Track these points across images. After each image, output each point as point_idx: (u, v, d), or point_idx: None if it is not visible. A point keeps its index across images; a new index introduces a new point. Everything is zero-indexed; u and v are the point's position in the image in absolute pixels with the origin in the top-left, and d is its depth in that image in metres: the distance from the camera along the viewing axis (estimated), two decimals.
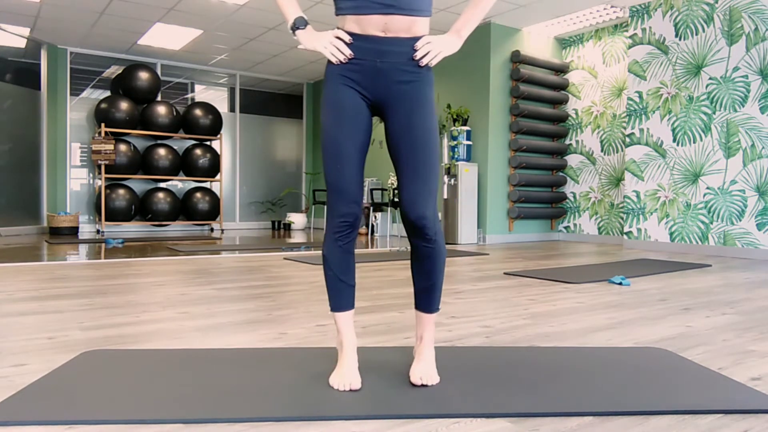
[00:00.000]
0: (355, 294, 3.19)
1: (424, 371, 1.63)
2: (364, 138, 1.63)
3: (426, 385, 1.59)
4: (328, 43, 1.59)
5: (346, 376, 1.58)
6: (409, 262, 4.89)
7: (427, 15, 1.60)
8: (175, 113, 8.82)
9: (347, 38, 1.58)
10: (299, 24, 1.62)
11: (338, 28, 1.62)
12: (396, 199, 7.93)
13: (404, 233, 8.36)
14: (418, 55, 1.59)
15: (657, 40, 6.30)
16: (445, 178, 7.11)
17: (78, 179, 8.76)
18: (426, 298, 1.68)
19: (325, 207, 1.62)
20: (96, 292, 3.18)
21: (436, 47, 1.60)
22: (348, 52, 1.58)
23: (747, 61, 5.54)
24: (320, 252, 5.66)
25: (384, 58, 1.58)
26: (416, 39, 1.59)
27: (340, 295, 1.66)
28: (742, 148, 5.57)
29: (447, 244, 6.99)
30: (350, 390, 1.55)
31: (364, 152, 1.64)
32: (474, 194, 7.09)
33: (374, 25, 1.55)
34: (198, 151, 8.95)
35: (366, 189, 8.76)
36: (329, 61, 1.63)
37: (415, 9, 1.56)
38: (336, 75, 1.62)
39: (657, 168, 6.27)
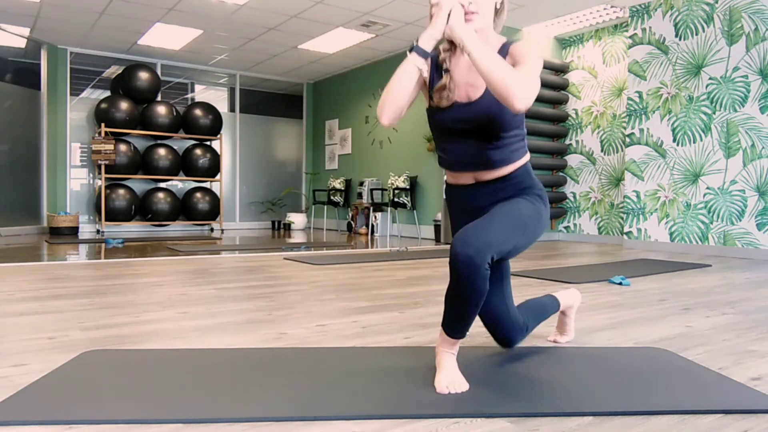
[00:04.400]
0: (355, 294, 3.20)
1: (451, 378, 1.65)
2: None
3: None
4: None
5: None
6: (409, 262, 4.89)
7: (510, 162, 1.74)
8: (175, 113, 8.82)
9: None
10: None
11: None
12: (396, 200, 7.93)
13: (404, 233, 8.36)
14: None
15: (657, 40, 6.30)
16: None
17: (78, 179, 8.76)
18: None
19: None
20: (96, 292, 3.18)
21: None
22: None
23: (747, 61, 5.55)
24: (320, 251, 5.66)
25: (481, 198, 1.79)
26: (505, 177, 1.75)
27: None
28: (742, 148, 5.57)
29: (447, 244, 6.99)
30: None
31: None
32: None
33: (466, 178, 1.79)
34: (198, 151, 8.95)
35: (366, 189, 8.75)
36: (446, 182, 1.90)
37: (501, 165, 1.73)
38: (451, 209, 1.90)
39: (657, 168, 6.27)
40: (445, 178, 1.75)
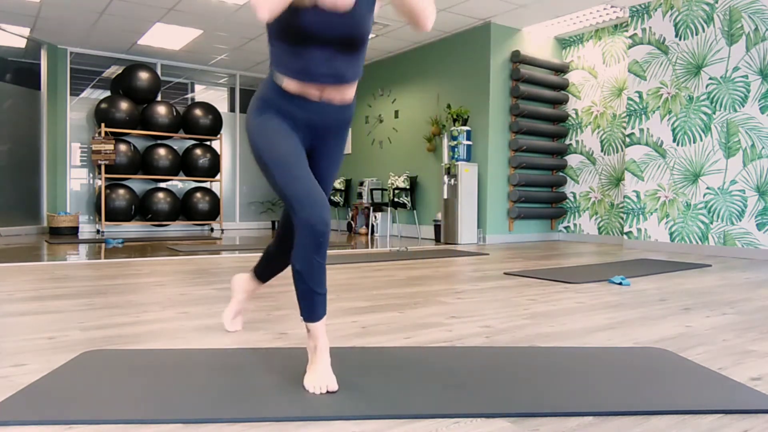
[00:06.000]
0: (355, 294, 3.20)
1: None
2: (305, 157, 1.71)
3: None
4: None
5: (323, 378, 1.56)
6: (409, 262, 4.89)
7: (356, 80, 1.72)
8: (175, 113, 8.82)
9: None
10: None
11: (270, 77, 1.69)
12: (396, 200, 7.93)
13: (404, 233, 8.36)
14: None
15: (657, 40, 6.30)
16: (445, 178, 7.11)
17: (78, 179, 8.76)
18: None
19: (294, 223, 1.56)
20: (96, 292, 3.18)
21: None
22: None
23: (747, 61, 5.55)
24: None
25: (319, 116, 1.71)
26: (346, 105, 1.75)
27: (318, 307, 1.63)
28: (742, 148, 5.57)
29: (447, 244, 7.00)
30: (327, 392, 1.53)
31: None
32: (474, 194, 7.09)
33: (312, 92, 1.67)
34: (198, 151, 8.95)
35: (366, 189, 8.75)
36: (265, 99, 1.69)
37: (347, 79, 1.69)
38: (271, 111, 1.69)
39: (657, 168, 6.27)
40: (278, 83, 1.66)
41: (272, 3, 1.45)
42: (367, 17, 1.64)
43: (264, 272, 2.13)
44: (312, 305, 1.62)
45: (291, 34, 1.60)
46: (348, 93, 1.73)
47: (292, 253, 1.60)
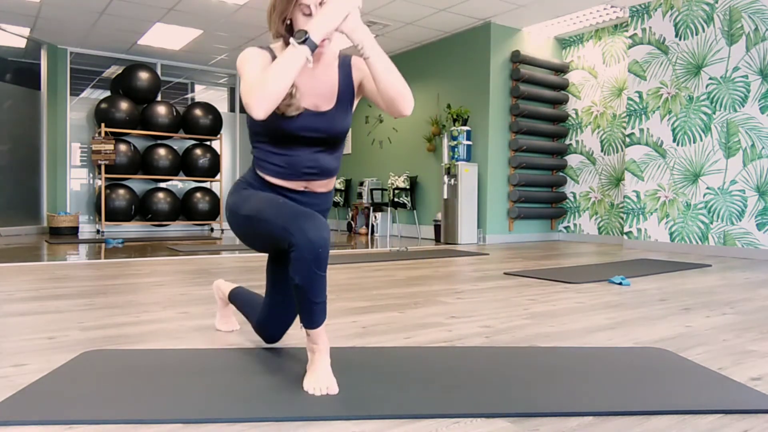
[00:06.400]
0: (355, 294, 3.20)
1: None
2: None
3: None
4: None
5: (323, 380, 1.55)
6: (409, 262, 4.89)
7: (336, 173, 1.83)
8: (175, 113, 8.82)
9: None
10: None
11: (253, 170, 1.78)
12: (396, 200, 7.93)
13: (404, 233, 8.36)
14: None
15: (657, 40, 6.30)
16: (445, 178, 7.11)
17: (78, 179, 8.76)
18: None
19: (292, 243, 1.55)
20: (96, 292, 3.18)
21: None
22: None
23: (747, 61, 5.55)
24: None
25: (302, 202, 1.77)
26: (328, 192, 1.83)
27: (317, 315, 1.60)
28: (742, 148, 5.57)
29: (447, 244, 7.00)
30: (328, 394, 1.53)
31: None
32: (474, 194, 7.09)
33: (297, 185, 1.75)
34: (198, 151, 8.95)
35: (366, 189, 8.76)
36: (245, 188, 1.76)
37: (330, 173, 1.78)
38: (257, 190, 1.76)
39: (657, 168, 6.27)
40: (261, 175, 1.75)
41: (267, 103, 1.49)
42: (347, 115, 1.76)
43: (236, 304, 2.14)
44: (311, 314, 1.59)
45: (277, 136, 1.69)
46: (331, 183, 1.82)
47: (291, 266, 1.53)
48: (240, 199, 1.74)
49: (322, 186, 1.78)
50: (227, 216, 1.78)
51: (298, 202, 1.75)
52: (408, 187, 8.00)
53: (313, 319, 1.60)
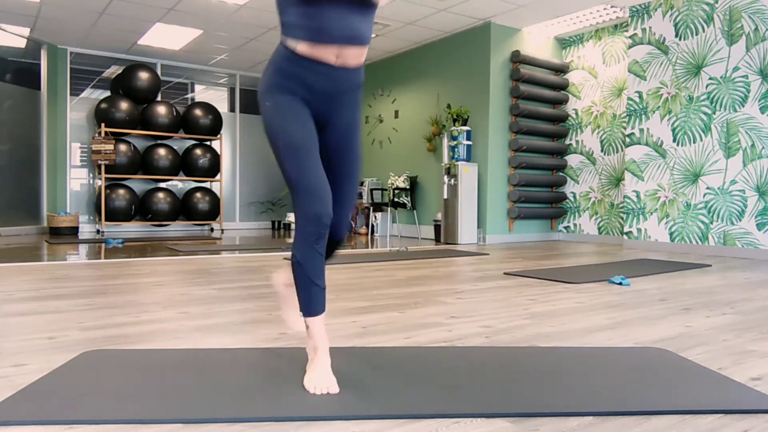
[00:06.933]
0: (355, 294, 3.20)
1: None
2: (317, 143, 1.68)
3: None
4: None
5: (324, 380, 1.56)
6: (409, 262, 4.89)
7: (369, 43, 1.70)
8: (175, 113, 8.82)
9: None
10: None
11: (285, 46, 1.63)
12: (396, 200, 7.93)
13: (404, 233, 8.36)
14: None
15: (657, 40, 6.30)
16: (445, 178, 7.11)
17: (78, 179, 8.76)
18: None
19: (295, 212, 1.55)
20: (96, 292, 3.18)
21: None
22: None
23: (747, 61, 5.54)
24: None
25: (333, 82, 1.65)
26: (361, 67, 1.71)
27: (316, 300, 1.63)
28: (742, 148, 5.57)
29: (447, 244, 7.00)
30: (328, 393, 1.53)
31: (319, 156, 1.69)
32: (474, 194, 7.09)
33: (329, 54, 1.61)
34: (198, 151, 8.95)
35: (366, 189, 8.75)
36: (274, 73, 1.65)
37: (365, 40, 1.66)
38: (281, 87, 1.64)
39: (657, 168, 6.27)
40: (291, 47, 1.61)
41: None
42: None
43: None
44: (310, 298, 1.62)
45: None
46: (362, 55, 1.69)
47: (293, 243, 1.61)
48: (270, 112, 1.65)
49: (354, 57, 1.65)
50: (262, 118, 1.71)
51: (328, 85, 1.65)
52: (408, 187, 8.00)
53: (312, 305, 1.62)
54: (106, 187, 8.20)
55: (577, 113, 7.62)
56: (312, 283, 1.61)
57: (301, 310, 1.65)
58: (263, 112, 1.67)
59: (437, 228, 7.47)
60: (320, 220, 1.57)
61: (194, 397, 1.50)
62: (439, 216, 7.36)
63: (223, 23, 7.24)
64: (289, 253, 5.44)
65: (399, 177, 8.05)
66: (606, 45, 7.29)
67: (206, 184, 9.40)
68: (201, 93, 9.92)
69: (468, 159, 7.15)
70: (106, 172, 8.18)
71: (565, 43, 7.83)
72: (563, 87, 7.67)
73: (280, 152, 1.62)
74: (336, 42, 1.60)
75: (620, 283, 3.64)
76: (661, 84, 6.25)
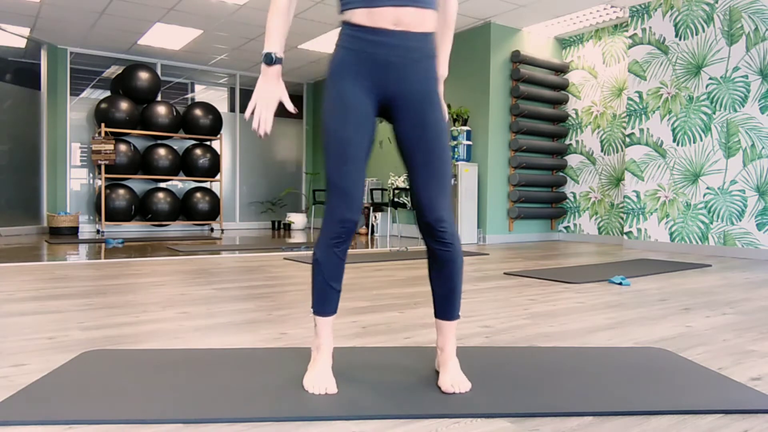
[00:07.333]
0: (355, 294, 3.19)
1: (455, 378, 1.58)
2: (370, 141, 1.59)
3: (458, 393, 1.56)
4: (259, 102, 1.58)
5: (323, 380, 1.56)
6: (409, 262, 4.89)
7: (435, 8, 1.58)
8: (175, 113, 8.82)
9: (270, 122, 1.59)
10: (266, 60, 1.57)
11: (344, 22, 1.56)
12: (396, 200, 7.93)
13: (404, 233, 8.36)
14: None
15: (657, 40, 6.30)
16: None
17: (78, 179, 8.76)
18: (447, 305, 1.64)
19: (325, 209, 1.55)
20: (96, 292, 3.18)
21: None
22: (269, 130, 1.59)
23: (747, 61, 5.54)
24: None
25: (396, 51, 1.53)
26: (428, 34, 1.56)
27: (328, 301, 1.62)
28: (742, 148, 5.57)
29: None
30: (326, 393, 1.53)
31: (368, 156, 1.60)
32: (474, 194, 7.09)
33: (386, 18, 1.51)
34: (198, 151, 8.95)
35: (366, 189, 8.76)
36: (335, 54, 1.58)
37: (427, 2, 1.54)
38: (343, 69, 1.56)
39: (657, 168, 6.27)
40: (348, 20, 1.53)
41: None
42: None
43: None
44: (324, 298, 1.62)
45: None
46: (425, 19, 1.54)
47: (316, 242, 1.61)
48: (328, 105, 1.59)
49: (415, 21, 1.52)
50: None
51: (391, 56, 1.53)
52: (408, 187, 8.00)
53: (325, 305, 1.63)
54: (106, 187, 8.20)
55: (577, 113, 7.62)
56: (327, 283, 1.61)
57: (312, 308, 1.65)
58: (323, 100, 1.62)
59: None
60: (344, 223, 1.57)
61: (194, 397, 1.50)
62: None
63: (223, 23, 7.24)
64: (289, 253, 5.44)
65: (399, 177, 8.05)
66: (606, 45, 7.29)
67: (206, 184, 9.40)
68: (201, 93, 9.92)
69: (468, 159, 7.15)
70: (106, 172, 8.18)
71: (565, 43, 7.83)
72: (563, 87, 7.67)
73: (325, 149, 1.59)
74: (391, 3, 1.50)
75: (620, 283, 3.64)
76: (661, 84, 6.25)
